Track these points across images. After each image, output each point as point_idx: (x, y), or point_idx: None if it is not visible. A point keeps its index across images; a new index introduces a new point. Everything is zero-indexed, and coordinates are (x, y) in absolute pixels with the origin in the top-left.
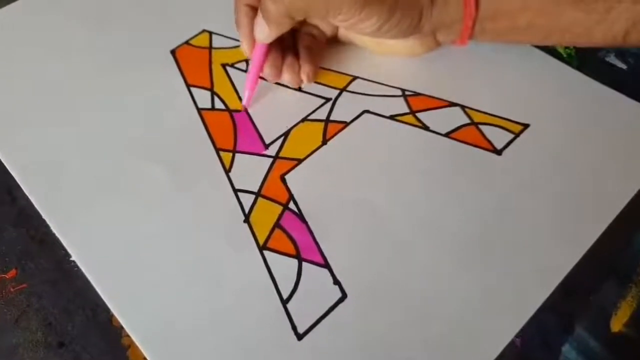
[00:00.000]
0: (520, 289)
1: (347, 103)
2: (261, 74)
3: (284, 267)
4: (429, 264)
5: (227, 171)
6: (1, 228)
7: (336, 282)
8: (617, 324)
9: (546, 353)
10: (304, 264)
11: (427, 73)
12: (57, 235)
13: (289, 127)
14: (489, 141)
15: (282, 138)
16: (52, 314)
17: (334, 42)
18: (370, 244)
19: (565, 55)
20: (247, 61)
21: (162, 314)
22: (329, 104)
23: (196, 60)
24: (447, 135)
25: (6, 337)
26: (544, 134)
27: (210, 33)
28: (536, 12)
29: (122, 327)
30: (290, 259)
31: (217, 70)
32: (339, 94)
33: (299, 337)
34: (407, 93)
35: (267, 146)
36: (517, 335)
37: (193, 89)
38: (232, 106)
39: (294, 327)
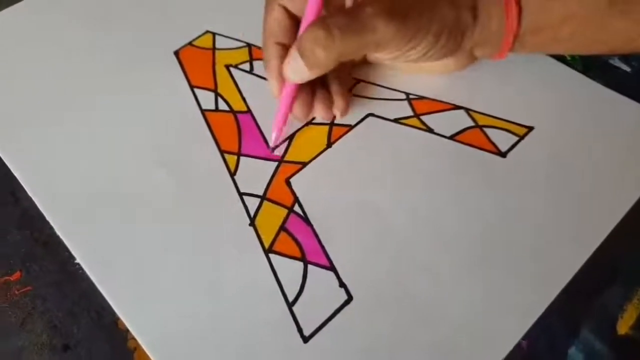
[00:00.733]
0: (525, 292)
1: (352, 106)
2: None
3: (290, 270)
4: (434, 267)
5: (232, 174)
6: (5, 230)
7: (342, 284)
8: (623, 326)
9: (552, 356)
10: (310, 266)
11: (430, 77)
12: (61, 237)
13: (294, 130)
14: (494, 144)
15: (286, 141)
16: (57, 316)
17: (361, 63)
18: (375, 247)
19: (569, 58)
20: (251, 62)
21: (167, 317)
22: None
23: (199, 61)
24: (451, 137)
25: (12, 340)
26: (548, 136)
27: (214, 34)
28: (580, 23)
29: (127, 330)
30: (296, 261)
31: (221, 71)
32: None
33: (305, 339)
34: (411, 97)
35: (272, 149)
36: (523, 338)
37: (196, 90)
38: (235, 107)
39: (299, 330)
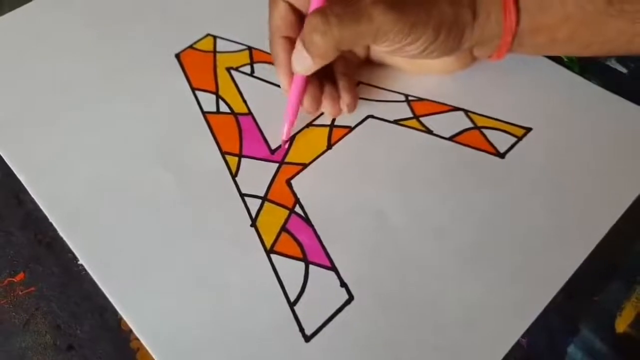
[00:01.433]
0: (525, 291)
1: None
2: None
3: (291, 270)
4: (434, 266)
5: (234, 176)
6: (9, 232)
7: (343, 284)
8: (621, 324)
9: (552, 354)
10: (311, 266)
11: (430, 79)
12: (64, 238)
13: (295, 132)
14: (492, 145)
15: (287, 143)
16: (60, 317)
17: (366, 63)
18: (375, 247)
19: (566, 60)
20: (251, 65)
21: (170, 317)
22: None
23: (201, 63)
24: (450, 139)
25: (15, 340)
26: (547, 137)
27: (215, 37)
28: (578, 25)
29: (130, 331)
30: (297, 262)
31: (222, 74)
32: None
33: (307, 339)
34: (410, 98)
35: (272, 151)
36: (523, 336)
37: (198, 93)
38: (237, 109)
39: (301, 329)
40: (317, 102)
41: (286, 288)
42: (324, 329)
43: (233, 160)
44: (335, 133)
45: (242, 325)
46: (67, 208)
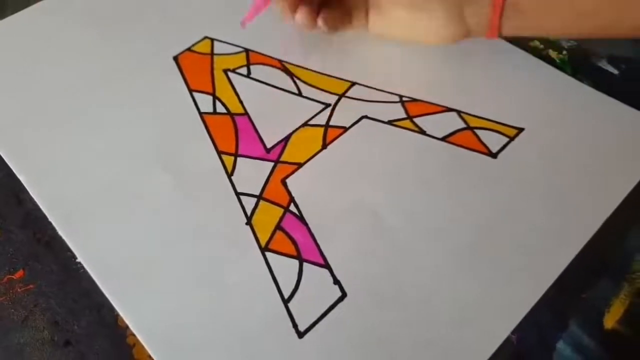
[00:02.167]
0: (515, 287)
1: (346, 108)
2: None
3: (285, 267)
4: (426, 264)
5: (230, 175)
6: (8, 230)
7: (336, 281)
8: (610, 321)
9: (541, 350)
10: (305, 264)
11: (423, 80)
12: (63, 237)
13: (290, 131)
14: (485, 145)
15: (283, 142)
16: (58, 313)
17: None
18: (368, 245)
19: (558, 61)
20: (248, 67)
21: (166, 313)
22: (329, 110)
23: (198, 66)
24: (443, 139)
25: (14, 336)
26: (538, 137)
27: (212, 39)
28: None
29: (127, 327)
30: (291, 259)
31: (219, 75)
32: (338, 100)
33: (300, 335)
34: (404, 99)
35: (268, 150)
36: (512, 332)
37: (195, 94)
38: (233, 110)
39: (295, 326)
40: (294, 5)
41: (280, 285)
42: (317, 325)
43: (229, 160)
44: (330, 133)
45: (236, 322)
46: (66, 208)
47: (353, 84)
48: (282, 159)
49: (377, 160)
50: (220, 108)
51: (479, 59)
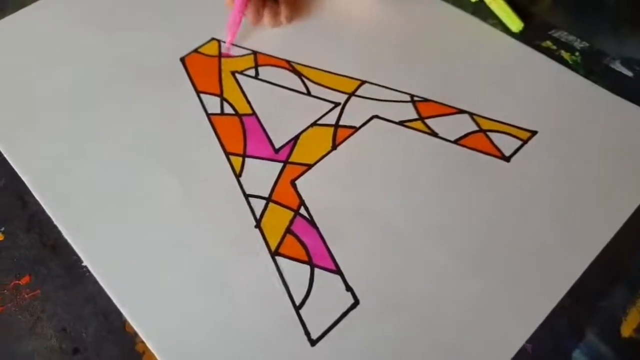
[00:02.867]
0: (530, 295)
1: (356, 108)
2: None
3: (296, 273)
4: (440, 270)
5: (238, 176)
6: (14, 234)
7: (348, 288)
8: (627, 329)
9: (557, 359)
10: (316, 270)
11: (435, 79)
12: (69, 240)
13: (299, 131)
14: (498, 148)
15: (292, 143)
16: (66, 320)
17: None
18: (380, 250)
19: (571, 62)
20: (256, 68)
21: (175, 320)
22: (338, 109)
23: (205, 67)
24: (455, 142)
25: (22, 344)
26: (552, 140)
27: (219, 41)
28: None
29: (135, 334)
30: (303, 264)
31: (227, 77)
32: (348, 99)
33: (313, 343)
34: (415, 98)
35: (277, 150)
36: (528, 341)
37: (203, 95)
38: (241, 111)
39: (307, 333)
40: (259, 15)
41: (291, 291)
42: (330, 333)
43: (237, 161)
44: (340, 133)
45: (247, 329)
46: (71, 210)
47: (363, 82)
48: (291, 159)
49: (388, 162)
50: (227, 109)
51: (491, 59)
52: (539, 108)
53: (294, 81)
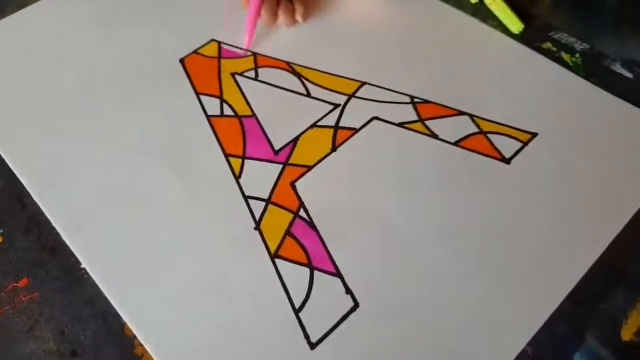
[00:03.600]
0: (530, 298)
1: (356, 109)
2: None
3: (296, 275)
4: (440, 273)
5: (237, 177)
6: (12, 236)
7: (348, 291)
8: (627, 332)
9: None
10: (316, 272)
11: (435, 80)
12: (67, 242)
13: (298, 133)
14: (498, 150)
15: (291, 144)
16: (64, 322)
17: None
18: (380, 253)
19: (571, 64)
20: (256, 70)
21: (173, 322)
22: (338, 110)
23: (205, 69)
24: (455, 143)
25: (20, 347)
26: (552, 142)
27: (219, 43)
28: None
29: (134, 336)
30: (302, 267)
31: (227, 78)
32: (348, 100)
33: (312, 346)
34: (415, 100)
35: (276, 152)
36: (528, 344)
37: (202, 97)
38: (240, 112)
39: (306, 336)
40: (274, 14)
41: (291, 294)
42: (330, 337)
43: (236, 162)
44: (340, 135)
45: (246, 331)
46: (70, 211)
47: (363, 83)
48: (290, 161)
49: (388, 164)
50: (227, 110)
51: (491, 60)
52: (539, 110)
53: (293, 82)
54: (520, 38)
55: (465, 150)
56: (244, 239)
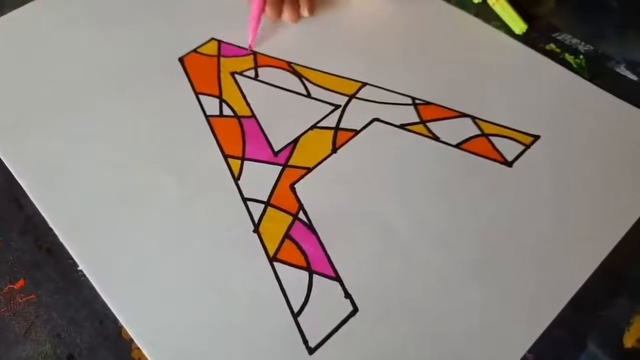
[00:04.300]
0: (531, 304)
1: (357, 110)
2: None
3: (295, 279)
4: (440, 277)
5: (236, 179)
6: (9, 237)
7: (347, 295)
8: (629, 339)
9: None
10: (315, 276)
11: (437, 81)
12: (65, 244)
13: (298, 134)
14: (500, 153)
15: (291, 145)
16: (60, 325)
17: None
18: (380, 256)
19: (575, 66)
20: (256, 69)
21: (171, 326)
22: (339, 111)
23: (204, 68)
24: (457, 146)
25: (16, 350)
26: (555, 145)
27: (219, 41)
28: None
29: (131, 340)
30: (301, 271)
31: (226, 78)
32: (349, 101)
33: (311, 351)
34: (417, 101)
35: (276, 153)
36: (529, 351)
37: (201, 97)
38: (240, 112)
39: (305, 341)
40: (278, 10)
41: (290, 298)
42: (328, 341)
43: (236, 164)
44: (340, 136)
45: (244, 336)
46: (67, 213)
47: (364, 84)
48: (290, 162)
49: (389, 167)
50: (227, 111)
51: (494, 61)
52: (541, 112)
53: (294, 83)
54: (524, 39)
55: (466, 153)
56: (242, 242)
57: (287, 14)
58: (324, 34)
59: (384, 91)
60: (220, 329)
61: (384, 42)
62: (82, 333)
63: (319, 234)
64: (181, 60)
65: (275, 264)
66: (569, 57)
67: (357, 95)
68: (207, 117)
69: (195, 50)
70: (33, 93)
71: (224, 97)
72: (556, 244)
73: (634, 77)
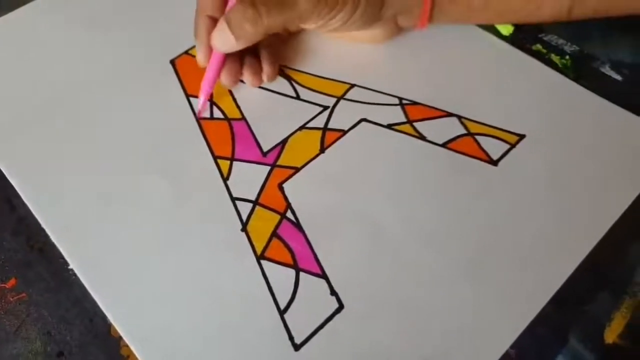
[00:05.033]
0: (514, 300)
1: (345, 111)
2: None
3: (282, 277)
4: (425, 275)
5: (225, 179)
6: (1, 237)
7: (333, 292)
8: (611, 335)
9: None
10: (302, 274)
11: (424, 82)
12: (56, 243)
13: (287, 135)
14: (485, 152)
15: (280, 146)
16: (51, 323)
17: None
18: (367, 254)
19: (560, 66)
20: None
21: (159, 323)
22: (327, 112)
23: (196, 70)
24: (443, 145)
25: (6, 347)
26: (540, 144)
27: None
28: None
29: (120, 337)
30: (288, 269)
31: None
32: (337, 102)
33: (296, 347)
34: (404, 102)
35: (265, 154)
36: (511, 347)
37: (192, 99)
38: (230, 115)
39: (291, 338)
40: (235, 78)
41: (276, 295)
42: (314, 338)
43: (225, 164)
44: (328, 136)
45: (232, 333)
46: (59, 213)
47: (352, 85)
48: (278, 162)
49: (376, 166)
50: (217, 113)
51: (480, 62)
52: (527, 111)
53: (283, 85)
54: (510, 39)
55: (453, 152)
56: (230, 241)
57: (248, 79)
58: (312, 37)
59: (372, 92)
60: (208, 325)
61: (371, 44)
62: (72, 331)
63: (307, 233)
64: (172, 62)
65: (263, 262)
66: (554, 58)
67: (346, 97)
68: (197, 119)
69: (187, 52)
70: (24, 94)
71: (215, 99)
72: (539, 242)
73: (618, 77)
